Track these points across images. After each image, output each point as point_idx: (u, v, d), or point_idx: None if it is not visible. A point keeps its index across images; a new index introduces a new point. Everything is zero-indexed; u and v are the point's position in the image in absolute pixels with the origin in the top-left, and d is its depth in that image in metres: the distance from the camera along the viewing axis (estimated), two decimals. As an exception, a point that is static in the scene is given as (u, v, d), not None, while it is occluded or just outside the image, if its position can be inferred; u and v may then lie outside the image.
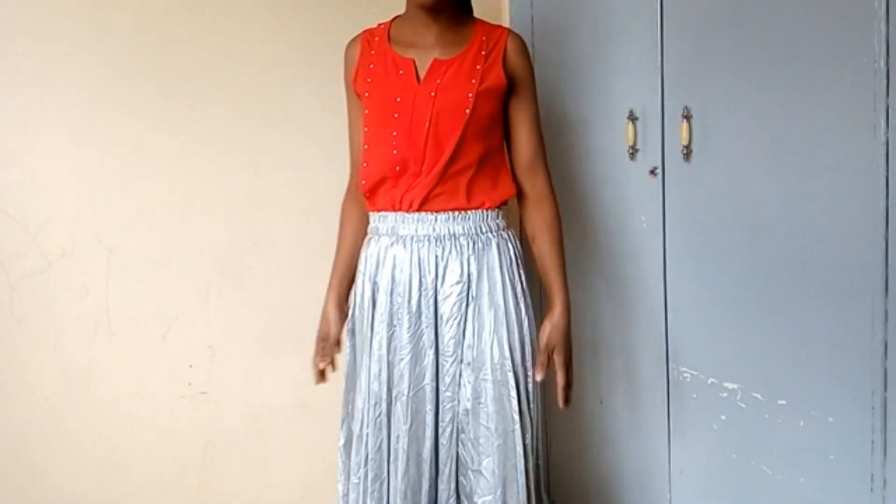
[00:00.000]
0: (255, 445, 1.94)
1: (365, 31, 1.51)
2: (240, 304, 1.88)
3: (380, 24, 1.51)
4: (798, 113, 1.33)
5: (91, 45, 1.69)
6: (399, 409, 1.41)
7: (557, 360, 1.42)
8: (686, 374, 1.62)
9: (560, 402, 1.44)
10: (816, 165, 1.31)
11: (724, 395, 1.53)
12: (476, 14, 1.56)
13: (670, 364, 1.66)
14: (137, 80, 1.73)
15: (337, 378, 2.04)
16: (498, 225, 1.45)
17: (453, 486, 1.42)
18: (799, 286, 1.37)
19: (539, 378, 1.42)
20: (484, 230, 1.43)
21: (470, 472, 1.41)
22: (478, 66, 1.41)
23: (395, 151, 1.40)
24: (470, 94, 1.39)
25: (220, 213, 1.84)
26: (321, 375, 1.54)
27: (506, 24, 2.11)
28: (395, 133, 1.40)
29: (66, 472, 1.76)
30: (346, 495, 1.52)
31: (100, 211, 1.73)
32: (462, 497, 1.42)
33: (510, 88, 1.45)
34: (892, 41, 1.16)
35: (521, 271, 1.46)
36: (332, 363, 1.54)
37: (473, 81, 1.40)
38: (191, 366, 1.85)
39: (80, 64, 1.68)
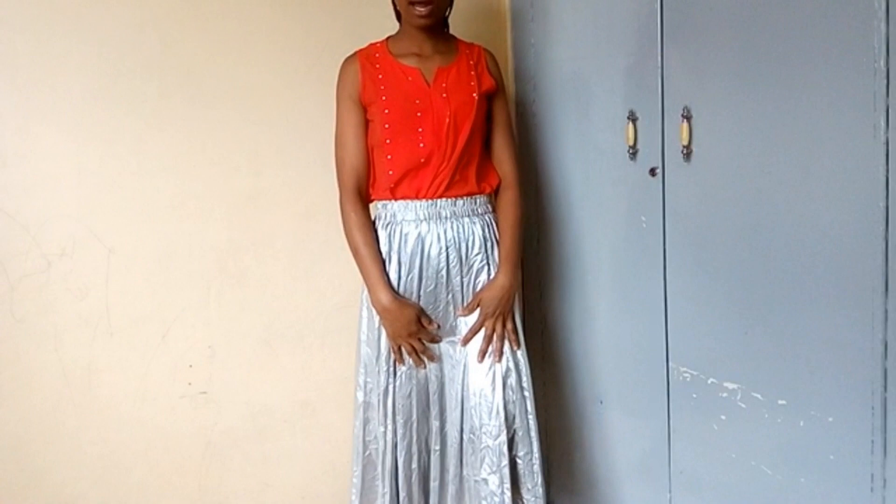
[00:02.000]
0: (255, 445, 1.94)
1: (359, 51, 1.67)
2: (240, 304, 1.88)
3: (371, 45, 1.67)
4: (798, 113, 1.33)
5: (91, 44, 1.68)
6: (442, 350, 1.68)
7: (484, 311, 1.65)
8: (686, 374, 1.62)
9: (478, 356, 1.65)
10: (816, 165, 1.31)
11: (724, 395, 1.53)
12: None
13: (670, 364, 1.66)
14: (137, 80, 1.73)
15: (336, 379, 2.04)
16: (489, 207, 1.71)
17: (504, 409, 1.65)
18: (799, 286, 1.37)
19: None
20: (483, 211, 1.69)
21: (519, 416, 1.67)
22: (472, 73, 1.67)
23: (422, 145, 1.61)
24: (474, 95, 1.64)
25: (220, 213, 1.84)
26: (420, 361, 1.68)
27: (506, 23, 2.11)
28: (420, 129, 1.61)
29: (66, 472, 1.76)
30: (375, 451, 1.70)
31: (100, 211, 1.72)
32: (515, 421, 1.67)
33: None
34: (892, 41, 1.16)
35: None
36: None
37: (473, 84, 1.65)
38: (191, 366, 1.85)
39: (80, 63, 1.68)
